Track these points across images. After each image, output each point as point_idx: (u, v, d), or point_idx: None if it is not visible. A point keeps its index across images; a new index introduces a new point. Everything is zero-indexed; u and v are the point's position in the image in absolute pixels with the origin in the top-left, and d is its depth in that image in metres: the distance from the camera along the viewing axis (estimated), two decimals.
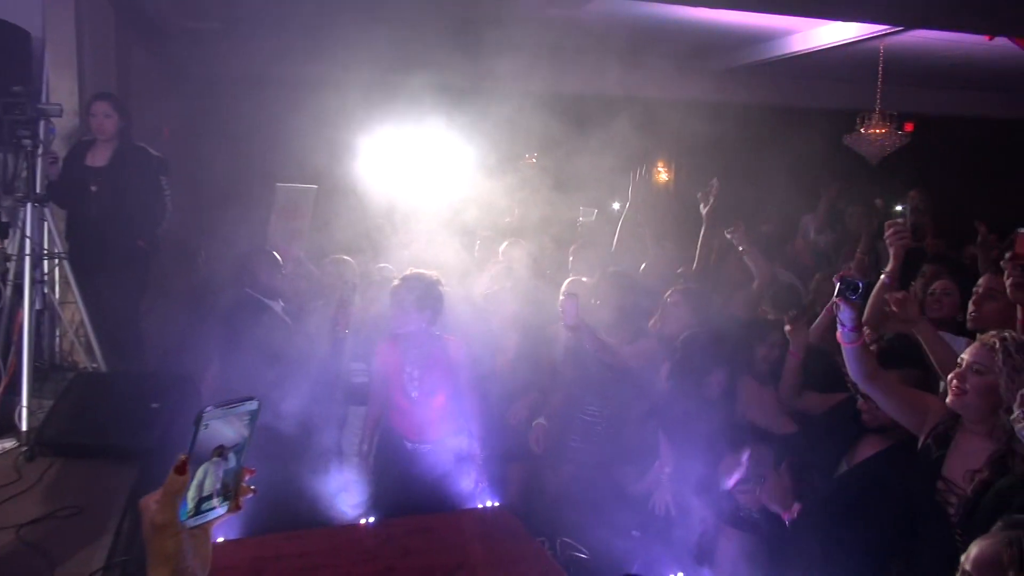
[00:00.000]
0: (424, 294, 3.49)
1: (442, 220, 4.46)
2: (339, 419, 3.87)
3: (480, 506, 3.39)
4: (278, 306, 4.05)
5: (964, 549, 2.34)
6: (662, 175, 9.77)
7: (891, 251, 3.22)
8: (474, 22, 5.61)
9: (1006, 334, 2.41)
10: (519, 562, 2.73)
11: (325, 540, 2.93)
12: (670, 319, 3.84)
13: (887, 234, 3.24)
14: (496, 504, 3.38)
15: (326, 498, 3.55)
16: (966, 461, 2.38)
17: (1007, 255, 2.72)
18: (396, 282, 3.57)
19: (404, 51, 5.30)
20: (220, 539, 2.97)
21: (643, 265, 4.67)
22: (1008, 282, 2.64)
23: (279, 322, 3.97)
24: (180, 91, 7.53)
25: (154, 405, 3.10)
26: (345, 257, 4.48)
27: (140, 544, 0.95)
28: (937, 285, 3.66)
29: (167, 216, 4.48)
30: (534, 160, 7.02)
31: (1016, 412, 1.66)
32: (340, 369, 3.84)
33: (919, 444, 2.57)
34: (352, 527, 3.29)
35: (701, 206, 4.47)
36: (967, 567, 1.38)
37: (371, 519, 3.40)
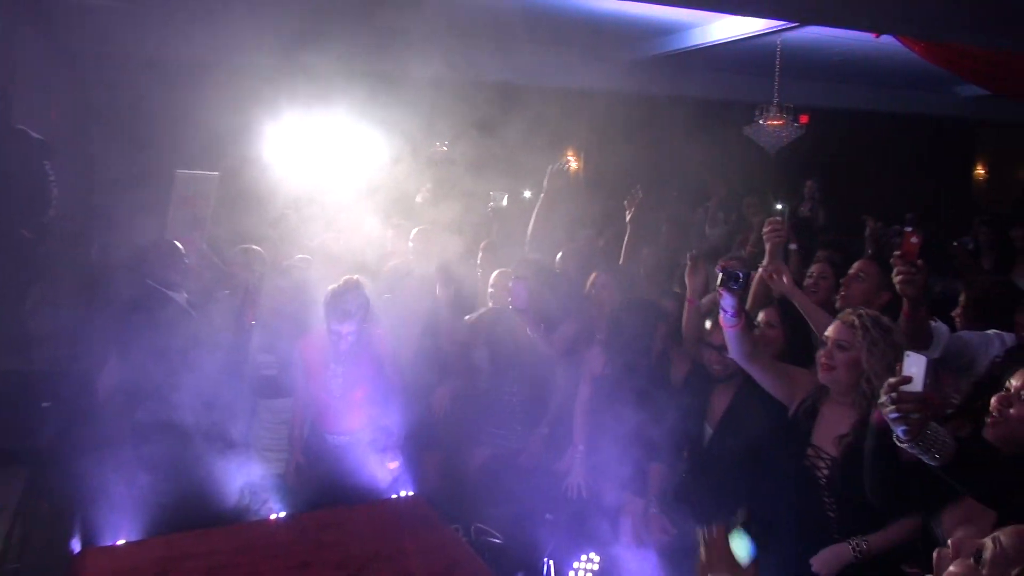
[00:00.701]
0: (364, 302, 3.50)
1: (352, 208, 4.39)
2: (247, 413, 3.76)
3: (395, 496, 3.38)
4: (181, 297, 3.90)
5: (832, 510, 2.56)
6: (572, 164, 9.90)
7: (767, 247, 3.41)
8: (383, 4, 5.53)
9: (862, 311, 2.62)
10: (433, 550, 2.73)
11: (235, 537, 2.86)
12: (600, 299, 3.91)
13: (765, 231, 3.44)
14: (411, 493, 3.38)
15: (236, 495, 3.47)
16: (833, 428, 2.60)
17: (895, 253, 2.91)
18: (333, 287, 3.50)
19: (310, 34, 5.16)
20: (122, 541, 2.86)
21: (559, 254, 4.73)
22: (897, 279, 2.82)
23: (182, 314, 3.82)
24: (70, 71, 7.09)
25: (45, 404, 2.94)
26: (253, 247, 4.36)
27: (33, 551, 0.91)
28: (814, 268, 3.88)
29: (53, 203, 4.21)
30: (445, 148, 6.98)
31: (883, 398, 1.79)
32: (248, 361, 3.74)
33: (790, 414, 2.77)
34: (263, 523, 3.22)
35: (626, 214, 4.63)
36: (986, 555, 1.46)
37: (283, 514, 3.34)
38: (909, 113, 11.21)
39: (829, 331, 2.64)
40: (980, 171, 14.54)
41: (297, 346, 3.65)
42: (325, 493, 3.43)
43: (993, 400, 2.10)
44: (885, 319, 2.63)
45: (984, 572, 1.42)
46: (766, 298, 3.49)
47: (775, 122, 7.73)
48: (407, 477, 3.56)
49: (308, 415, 3.70)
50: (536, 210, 4.82)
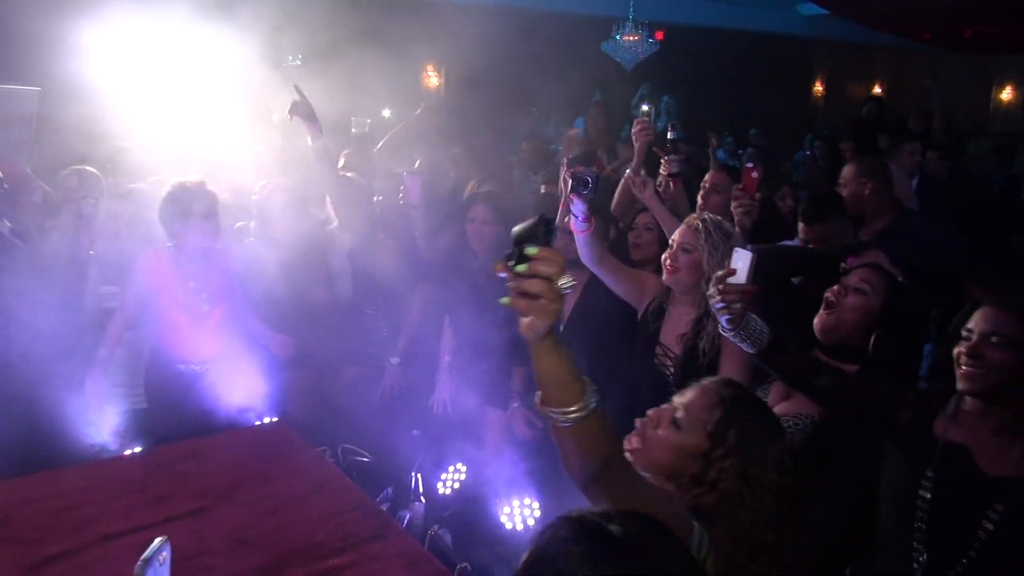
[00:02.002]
0: (211, 203, 3.34)
1: (203, 135, 4.10)
2: (93, 348, 3.54)
3: (257, 423, 3.33)
4: (4, 227, 3.56)
5: None
6: (432, 80, 9.68)
7: (635, 146, 3.51)
8: None
9: (705, 216, 2.76)
10: (299, 473, 2.73)
11: (85, 477, 2.72)
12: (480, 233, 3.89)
13: (634, 131, 3.52)
14: (275, 419, 3.34)
15: (85, 433, 3.30)
16: (677, 327, 2.76)
17: (736, 187, 3.09)
18: (169, 189, 3.31)
19: None
20: None
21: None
22: (738, 211, 3.02)
23: (7, 245, 3.50)
24: None
25: None
26: (88, 168, 4.00)
27: None
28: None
29: None
30: (299, 63, 6.60)
31: (711, 290, 1.94)
32: (88, 294, 3.50)
33: (639, 317, 2.93)
34: (116, 459, 3.09)
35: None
36: (679, 415, 1.60)
37: (138, 449, 3.22)
38: (755, 30, 11.66)
39: (675, 235, 2.76)
40: (818, 88, 15.47)
41: (139, 262, 3.38)
42: (184, 428, 3.31)
43: (828, 292, 2.33)
44: (727, 224, 2.77)
45: (684, 434, 1.59)
46: (631, 200, 3.60)
47: (631, 38, 7.84)
48: (270, 402, 3.51)
49: (151, 344, 3.51)
50: (392, 132, 4.68)
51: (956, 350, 1.84)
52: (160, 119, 4.24)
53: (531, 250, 1.26)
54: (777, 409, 2.36)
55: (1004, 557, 1.75)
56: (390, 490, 3.35)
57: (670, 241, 2.79)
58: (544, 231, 1.27)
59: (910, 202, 4.40)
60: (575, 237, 2.89)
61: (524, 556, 1.06)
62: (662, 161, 3.67)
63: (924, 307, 2.89)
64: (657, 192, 3.30)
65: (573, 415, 1.40)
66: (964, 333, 1.84)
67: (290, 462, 2.83)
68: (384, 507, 3.09)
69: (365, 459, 3.30)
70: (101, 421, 3.32)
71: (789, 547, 1.55)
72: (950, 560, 1.82)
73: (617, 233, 3.51)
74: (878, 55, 15.04)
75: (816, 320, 2.34)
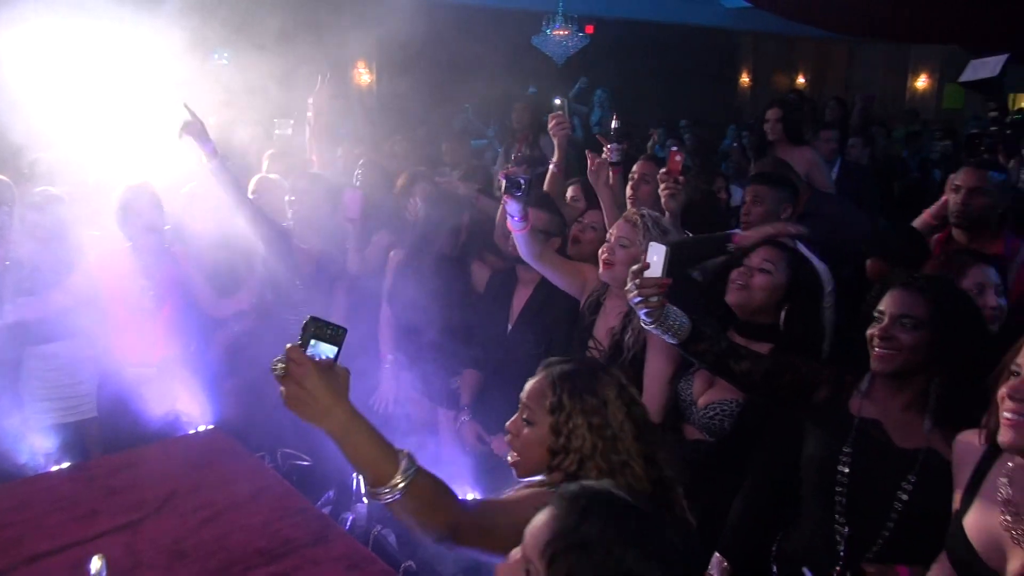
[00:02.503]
0: (157, 203, 3.40)
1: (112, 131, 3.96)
2: (13, 363, 3.42)
3: (192, 431, 3.26)
4: None
5: None
6: (363, 76, 9.58)
7: (555, 141, 3.53)
8: None
9: (644, 211, 2.79)
10: (236, 480, 2.69)
11: (10, 495, 2.64)
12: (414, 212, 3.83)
13: (550, 125, 3.54)
14: (210, 427, 3.28)
15: (8, 450, 3.19)
16: (609, 321, 2.81)
17: (661, 171, 3.15)
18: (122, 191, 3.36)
19: None
20: None
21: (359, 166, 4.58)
22: (664, 194, 3.08)
23: None
24: None
25: None
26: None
27: None
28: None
29: None
30: (225, 61, 6.44)
31: (628, 285, 1.98)
32: (4, 305, 3.36)
33: (580, 309, 2.97)
34: (44, 476, 2.99)
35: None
36: (526, 414, 1.69)
37: (65, 464, 3.13)
38: (682, 23, 11.88)
39: (612, 229, 2.79)
40: (745, 79, 15.86)
41: (85, 264, 3.37)
42: (134, 435, 3.23)
43: (734, 274, 2.42)
44: (665, 220, 2.83)
45: (537, 426, 1.67)
46: (558, 194, 3.63)
47: (561, 32, 7.90)
48: (206, 410, 3.45)
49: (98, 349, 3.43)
50: (310, 131, 4.58)
51: (869, 331, 1.93)
52: (77, 120, 4.09)
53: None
54: (703, 399, 2.44)
55: (919, 525, 1.85)
56: (332, 493, 3.33)
57: (607, 235, 2.82)
58: (324, 333, 1.43)
59: (829, 189, 4.56)
60: (514, 237, 2.92)
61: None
62: (604, 149, 3.72)
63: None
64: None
65: (399, 486, 1.43)
66: (876, 315, 1.93)
67: (227, 469, 2.79)
68: (326, 510, 3.08)
69: (305, 463, 3.26)
70: (29, 437, 3.21)
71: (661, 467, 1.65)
72: (870, 531, 1.91)
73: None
74: (800, 46, 15.51)
75: (729, 296, 2.44)
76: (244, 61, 5.23)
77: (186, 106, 3.39)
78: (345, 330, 1.44)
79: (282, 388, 1.40)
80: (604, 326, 2.82)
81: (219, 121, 5.19)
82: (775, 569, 2.14)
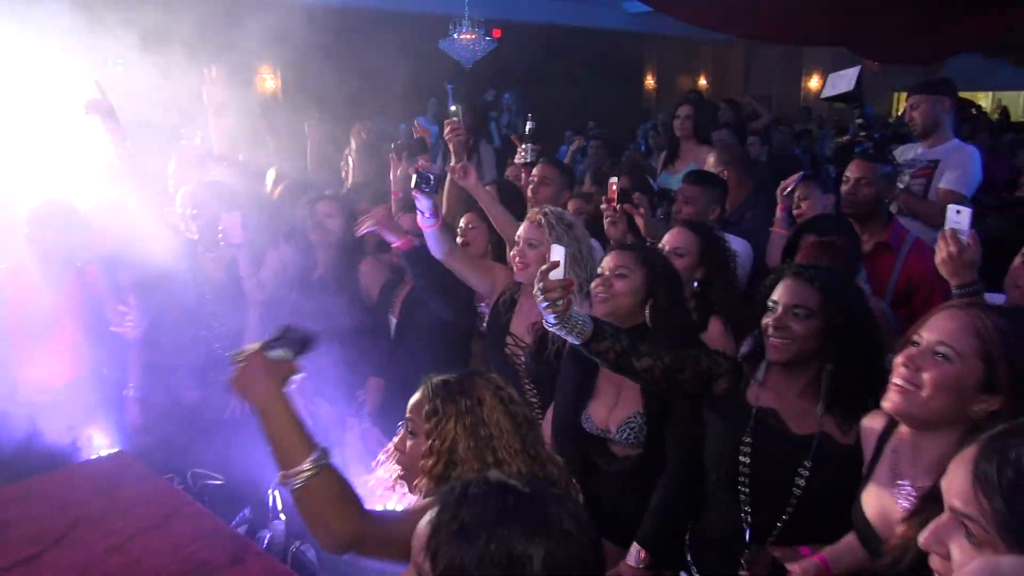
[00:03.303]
0: (69, 211, 3.24)
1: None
2: None
3: (96, 456, 3.13)
4: None
5: (533, 396, 2.87)
6: (268, 82, 9.36)
7: (451, 148, 3.57)
8: None
9: (547, 209, 2.85)
10: (143, 504, 2.59)
11: None
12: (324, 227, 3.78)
13: (446, 132, 3.58)
14: (117, 450, 3.15)
15: None
16: (528, 316, 2.85)
17: (603, 199, 3.24)
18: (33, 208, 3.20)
19: None
20: None
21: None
22: (606, 222, 3.17)
23: None
24: None
25: None
26: None
27: None
28: (509, 172, 4.17)
29: None
30: (120, 68, 6.17)
31: (535, 288, 2.00)
32: None
33: (490, 306, 3.01)
34: None
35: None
36: (407, 413, 1.77)
37: None
38: (588, 27, 12.11)
39: (520, 231, 2.84)
40: (650, 82, 16.29)
41: None
42: (19, 467, 3.06)
43: (594, 282, 2.45)
44: (568, 215, 2.89)
45: (420, 437, 1.71)
46: (459, 195, 3.65)
47: (468, 36, 7.93)
48: (113, 433, 3.31)
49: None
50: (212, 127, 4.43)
51: (764, 321, 2.02)
52: None
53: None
54: (612, 423, 2.43)
55: (816, 508, 1.95)
56: (247, 511, 3.24)
57: (515, 237, 2.85)
58: (285, 339, 1.65)
59: None
60: (424, 234, 2.93)
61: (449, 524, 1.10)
62: (519, 150, 3.76)
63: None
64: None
65: (307, 472, 1.50)
66: (770, 304, 2.02)
67: (134, 494, 2.68)
68: (241, 529, 3.01)
69: (218, 482, 3.18)
70: None
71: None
72: (773, 517, 2.00)
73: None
74: (701, 49, 16.03)
75: (595, 310, 2.40)
76: (142, 67, 5.04)
77: (97, 83, 3.26)
78: (312, 337, 1.65)
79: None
80: (523, 322, 2.87)
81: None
82: (689, 557, 2.22)
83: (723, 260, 2.83)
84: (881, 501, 1.72)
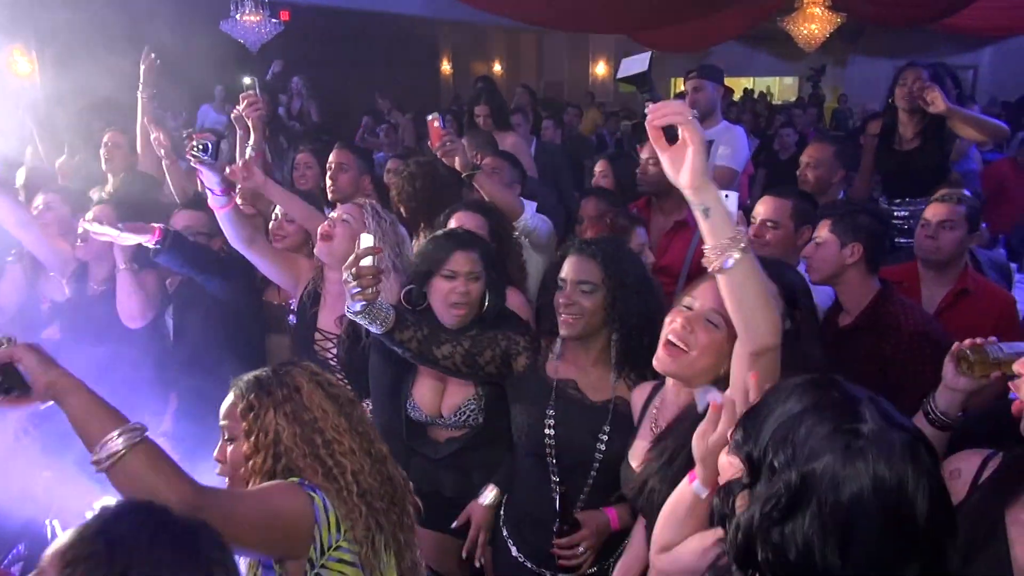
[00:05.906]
0: None
1: None
2: None
3: None
4: None
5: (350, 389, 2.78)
6: (20, 65, 8.29)
7: (249, 123, 3.36)
8: None
9: (366, 202, 2.77)
10: None
11: None
12: None
13: (243, 107, 3.36)
14: None
15: None
16: (335, 309, 2.73)
17: (430, 142, 3.16)
18: None
19: None
20: None
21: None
22: (443, 156, 3.11)
23: None
24: None
25: None
26: None
27: None
28: (299, 158, 4.02)
29: None
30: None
31: (344, 277, 1.95)
32: None
33: (295, 304, 2.88)
34: None
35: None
36: (220, 422, 1.69)
37: None
38: (379, 11, 11.90)
39: (337, 210, 2.74)
40: (446, 67, 16.38)
41: None
42: None
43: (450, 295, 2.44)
44: (384, 210, 2.79)
45: (244, 442, 1.65)
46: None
47: (252, 18, 7.50)
48: None
49: None
50: None
51: (555, 298, 2.10)
52: None
53: None
54: (445, 408, 2.39)
55: (617, 471, 2.06)
56: (21, 547, 2.90)
57: (329, 216, 2.73)
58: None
59: (531, 168, 4.89)
60: (217, 216, 2.71)
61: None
62: None
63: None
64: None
65: (118, 438, 1.36)
66: (560, 283, 2.10)
67: None
68: (15, 568, 2.70)
69: None
70: None
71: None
72: (580, 484, 2.10)
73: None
74: (494, 35, 16.33)
75: (450, 321, 2.32)
76: None
77: None
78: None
79: None
80: (330, 315, 2.76)
81: None
82: (505, 532, 2.26)
83: (509, 234, 2.90)
84: (643, 453, 1.85)
